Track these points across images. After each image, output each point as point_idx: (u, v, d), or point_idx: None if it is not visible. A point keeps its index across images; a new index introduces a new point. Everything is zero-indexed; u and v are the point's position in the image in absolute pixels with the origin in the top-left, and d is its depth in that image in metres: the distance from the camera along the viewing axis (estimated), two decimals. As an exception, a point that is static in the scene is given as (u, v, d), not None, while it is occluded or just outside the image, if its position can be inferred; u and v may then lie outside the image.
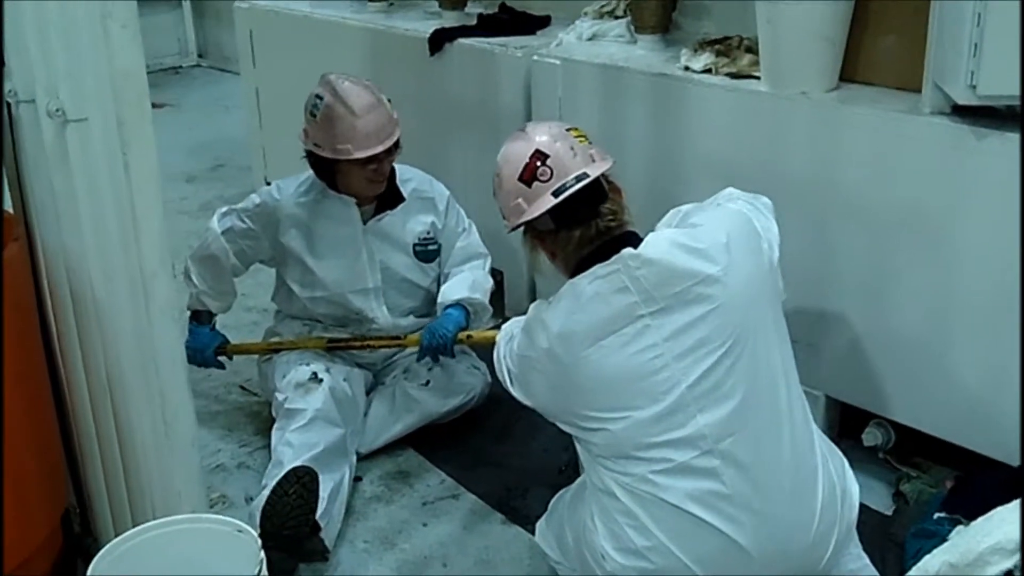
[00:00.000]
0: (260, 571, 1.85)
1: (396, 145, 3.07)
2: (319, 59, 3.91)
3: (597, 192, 2.27)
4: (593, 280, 2.20)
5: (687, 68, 3.14)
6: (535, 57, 3.55)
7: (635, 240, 2.25)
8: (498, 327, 3.27)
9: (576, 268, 2.27)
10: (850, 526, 2.27)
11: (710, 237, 2.19)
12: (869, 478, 2.90)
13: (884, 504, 2.84)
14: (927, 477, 2.90)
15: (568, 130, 2.34)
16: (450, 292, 3.20)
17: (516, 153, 2.33)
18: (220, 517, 2.04)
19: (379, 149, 2.99)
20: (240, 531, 1.97)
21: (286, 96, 3.52)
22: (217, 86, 7.70)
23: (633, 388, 2.16)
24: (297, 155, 3.18)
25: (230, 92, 7.03)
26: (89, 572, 1.90)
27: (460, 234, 3.32)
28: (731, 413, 2.13)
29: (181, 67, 8.28)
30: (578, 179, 2.25)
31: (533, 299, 3.81)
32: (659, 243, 2.21)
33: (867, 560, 2.36)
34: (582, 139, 2.33)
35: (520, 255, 3.78)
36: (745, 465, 2.13)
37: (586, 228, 2.26)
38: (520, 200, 2.31)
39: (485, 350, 3.18)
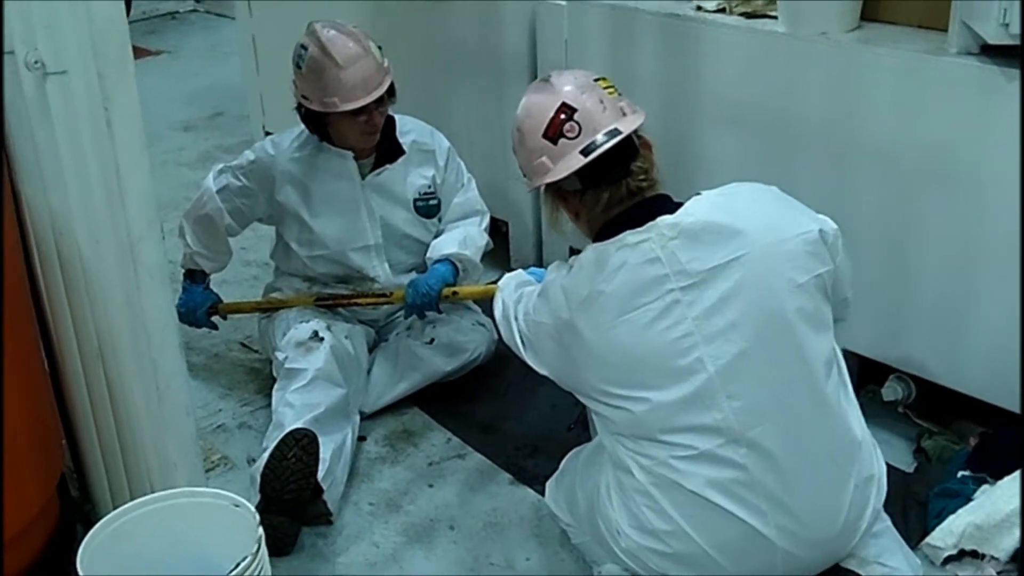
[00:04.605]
0: (259, 548, 1.78)
1: (390, 94, 2.95)
2: (317, 4, 3.77)
3: (628, 149, 2.12)
4: (621, 248, 2.07)
5: (699, 8, 3.02)
6: (540, -2, 3.41)
7: (669, 205, 2.12)
8: (491, 283, 3.20)
9: (602, 230, 2.14)
10: (878, 510, 2.18)
11: (753, 212, 2.08)
12: (889, 434, 2.82)
13: (905, 461, 2.77)
14: (949, 433, 2.82)
15: (596, 80, 2.17)
16: (439, 247, 3.11)
17: (540, 106, 2.15)
18: (216, 491, 1.96)
19: (366, 100, 2.88)
20: (237, 505, 1.90)
21: (284, 43, 3.40)
22: (215, 32, 7.55)
23: (657, 367, 2.05)
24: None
25: (228, 38, 6.87)
26: (80, 550, 1.83)
27: (459, 189, 3.22)
28: (761, 401, 2.02)
29: (178, 12, 8.11)
30: (609, 136, 2.09)
31: (539, 252, 3.77)
32: (699, 212, 2.07)
33: (889, 522, 2.27)
34: (611, 90, 2.16)
35: (525, 207, 3.74)
36: (772, 455, 2.03)
37: (616, 188, 2.11)
38: (544, 159, 2.14)
39: (483, 305, 3.12)
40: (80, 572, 1.78)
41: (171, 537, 1.93)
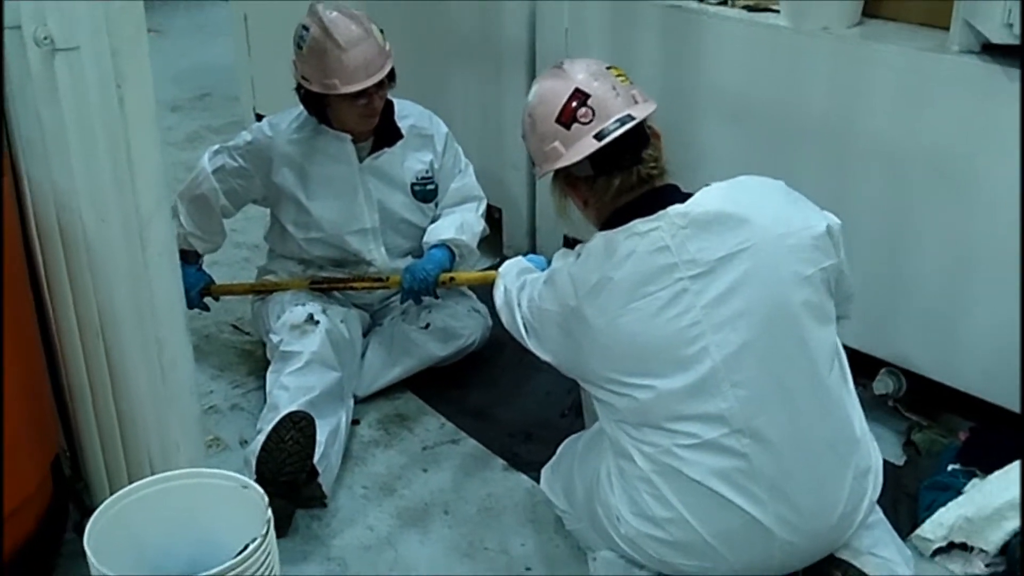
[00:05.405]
0: (268, 530, 1.78)
1: (390, 78, 2.95)
2: (311, -14, 3.76)
3: (640, 137, 2.13)
4: (630, 236, 2.08)
5: (702, 0, 3.02)
6: (540, -13, 3.41)
7: (678, 195, 2.13)
8: (487, 270, 3.20)
9: (611, 219, 2.15)
10: (873, 502, 2.20)
11: (762, 204, 2.09)
12: (879, 427, 2.83)
13: (895, 454, 2.79)
14: (938, 427, 2.85)
15: (608, 68, 2.18)
16: (436, 232, 3.11)
17: (553, 92, 2.16)
18: (224, 472, 1.96)
19: (367, 83, 2.87)
20: (245, 487, 1.90)
21: (277, 24, 3.39)
22: (202, 12, 7.49)
23: (664, 355, 2.05)
24: (287, 86, 3.07)
25: (215, 18, 6.83)
26: (87, 529, 1.82)
27: (456, 174, 3.22)
28: (764, 391, 2.04)
29: (165, -8, 8.05)
30: (621, 122, 2.10)
31: (532, 240, 3.78)
32: (709, 202, 2.08)
33: (882, 513, 2.30)
34: (623, 79, 2.17)
35: (519, 195, 3.74)
36: (774, 445, 2.04)
37: (627, 175, 2.12)
38: (557, 144, 2.15)
39: (479, 291, 3.13)
40: (87, 550, 1.77)
41: (178, 518, 1.93)
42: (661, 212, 2.08)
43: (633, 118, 2.11)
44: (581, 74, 2.15)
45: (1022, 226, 2.44)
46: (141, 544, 1.90)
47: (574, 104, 2.11)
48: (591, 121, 2.11)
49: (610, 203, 2.16)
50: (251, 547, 1.75)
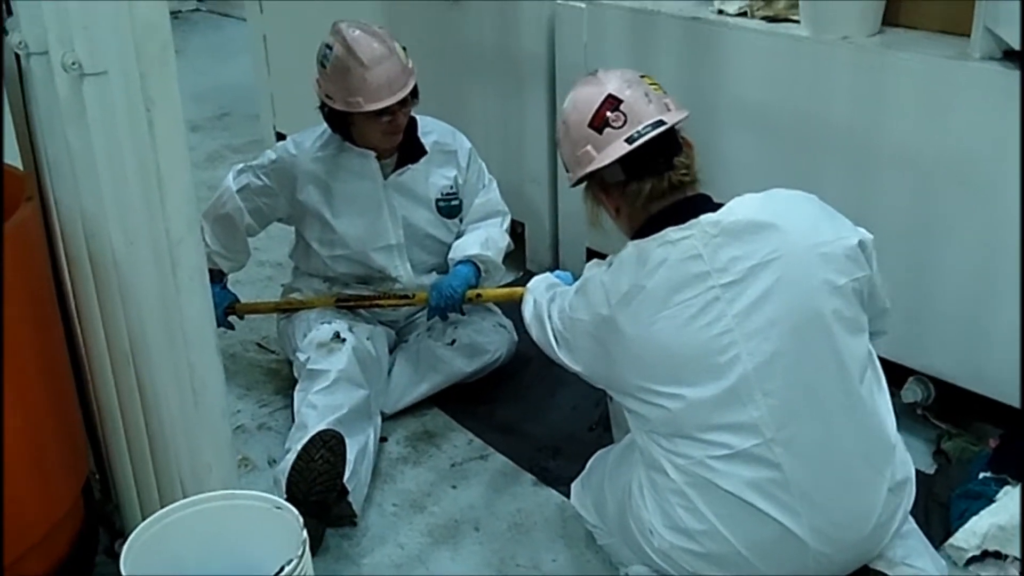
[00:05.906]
0: (303, 551, 1.78)
1: (413, 95, 2.96)
2: (331, 4, 3.77)
3: (672, 143, 2.15)
4: (662, 244, 2.09)
5: (721, 12, 3.03)
6: (559, 0, 3.41)
7: (710, 204, 2.14)
8: (511, 285, 3.20)
9: (643, 227, 2.16)
10: (907, 511, 2.19)
11: (794, 215, 2.10)
12: (908, 436, 2.79)
13: (925, 463, 2.77)
14: (968, 434, 2.83)
15: (642, 77, 2.21)
16: (462, 248, 3.11)
17: (586, 98, 2.19)
18: (258, 493, 1.96)
19: (391, 101, 2.89)
20: (279, 508, 1.90)
21: (296, 43, 3.41)
22: (219, 32, 7.55)
23: (696, 364, 2.06)
24: (308, 104, 3.09)
25: (232, 38, 6.89)
26: (124, 552, 1.83)
27: (480, 190, 3.23)
28: (795, 399, 2.04)
29: (180, 12, 8.11)
30: (653, 126, 2.12)
31: (555, 254, 3.78)
32: (741, 211, 2.09)
33: (915, 523, 2.29)
34: (656, 87, 2.20)
35: (542, 209, 3.75)
36: (807, 455, 2.04)
37: (658, 180, 2.13)
38: (589, 148, 2.17)
39: (504, 306, 3.12)
40: (124, 574, 1.78)
41: (212, 540, 1.93)
42: (693, 221, 2.09)
43: (664, 123, 2.12)
44: (614, 81, 2.18)
45: (1022, 226, 2.44)
46: (176, 566, 1.90)
47: (606, 109, 2.14)
48: (623, 125, 2.13)
49: (642, 210, 2.16)
50: (287, 569, 1.75)
